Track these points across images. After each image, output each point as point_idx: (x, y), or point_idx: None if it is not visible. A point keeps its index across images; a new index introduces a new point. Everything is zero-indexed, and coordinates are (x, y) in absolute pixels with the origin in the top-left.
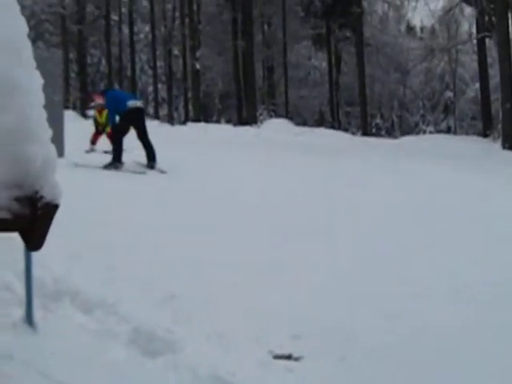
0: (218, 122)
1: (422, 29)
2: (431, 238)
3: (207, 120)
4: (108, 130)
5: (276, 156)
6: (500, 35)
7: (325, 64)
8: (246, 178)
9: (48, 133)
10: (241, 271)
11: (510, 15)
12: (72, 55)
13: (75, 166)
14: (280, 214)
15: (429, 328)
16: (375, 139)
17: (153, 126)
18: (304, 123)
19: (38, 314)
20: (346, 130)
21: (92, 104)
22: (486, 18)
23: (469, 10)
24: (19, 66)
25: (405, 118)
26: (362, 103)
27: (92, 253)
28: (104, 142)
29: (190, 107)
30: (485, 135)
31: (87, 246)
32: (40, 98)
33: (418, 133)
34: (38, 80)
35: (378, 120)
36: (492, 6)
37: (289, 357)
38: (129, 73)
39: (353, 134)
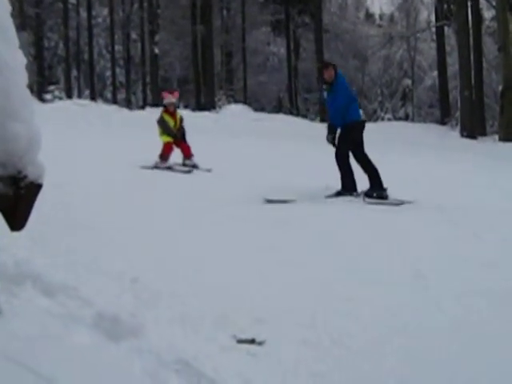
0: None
1: (381, 16)
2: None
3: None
4: (179, 136)
5: (235, 143)
6: (459, 23)
7: (283, 50)
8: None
9: (32, 112)
10: (204, 256)
11: (468, 3)
12: (29, 38)
13: None
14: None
15: (389, 310)
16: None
17: (111, 111)
18: (262, 109)
19: (1, 298)
20: (304, 116)
21: (166, 101)
22: (445, 6)
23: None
24: (4, 44)
25: (363, 105)
26: (320, 90)
27: (54, 235)
28: (178, 156)
29: (148, 92)
30: (442, 123)
31: (50, 228)
32: (24, 77)
33: (376, 120)
34: (21, 59)
35: None
36: None
37: (252, 341)
38: (86, 57)
39: (311, 120)
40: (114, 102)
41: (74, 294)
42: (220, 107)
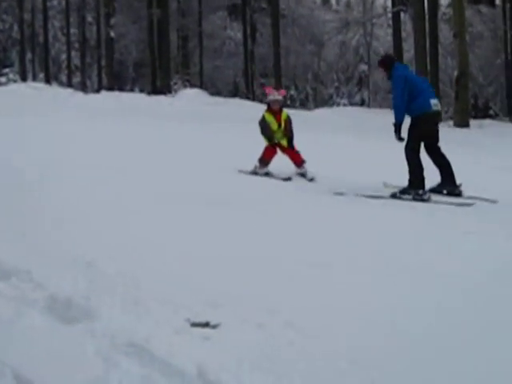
0: (131, 90)
1: (337, 1)
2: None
3: (121, 88)
4: (284, 142)
5: (190, 128)
6: (415, 9)
7: (240, 35)
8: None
9: None
10: (158, 239)
11: None
12: None
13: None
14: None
15: (346, 293)
16: (289, 110)
17: (66, 95)
18: (218, 94)
19: None
20: (260, 101)
21: (270, 98)
22: None
23: None
24: None
25: (319, 90)
26: (276, 75)
27: (5, 220)
28: (282, 161)
29: (104, 75)
30: None
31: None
32: None
33: (331, 105)
34: None
35: (292, 92)
36: None
37: (206, 324)
38: (41, 39)
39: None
40: (69, 85)
41: (27, 277)
42: (176, 91)
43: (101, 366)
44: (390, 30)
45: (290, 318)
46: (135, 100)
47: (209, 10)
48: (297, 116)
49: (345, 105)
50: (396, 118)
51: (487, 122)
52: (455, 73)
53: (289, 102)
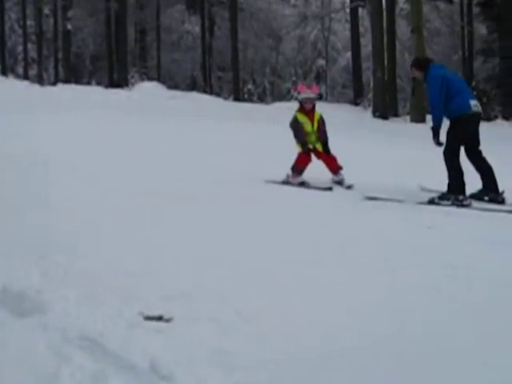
0: (88, 83)
1: None
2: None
3: (78, 81)
4: (319, 146)
5: (148, 121)
6: (373, 4)
7: (198, 28)
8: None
9: None
10: (111, 232)
11: None
12: None
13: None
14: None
15: (304, 287)
16: (246, 104)
17: (22, 87)
18: (176, 87)
19: None
20: (218, 94)
21: (302, 95)
22: None
23: None
24: None
25: (277, 84)
26: (234, 68)
27: None
28: (318, 168)
29: (60, 68)
30: (355, 103)
31: None
32: None
33: (289, 99)
34: None
35: (250, 86)
36: None
37: (159, 318)
38: None
39: (225, 99)
40: (26, 77)
41: None
42: (133, 84)
43: (52, 360)
44: (348, 25)
45: (244, 311)
46: (92, 93)
47: (167, 3)
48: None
49: None
50: (434, 120)
51: None
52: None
53: (246, 96)
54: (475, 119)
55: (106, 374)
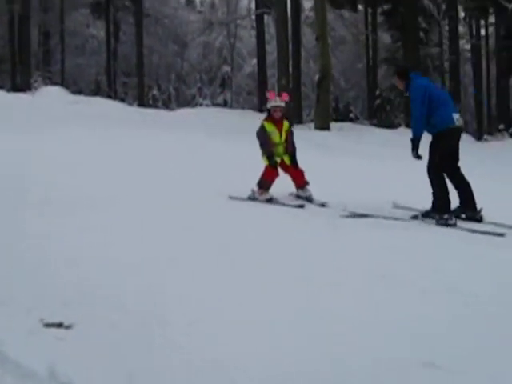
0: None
1: (201, 2)
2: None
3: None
4: (286, 158)
5: (52, 127)
6: (278, 12)
7: (103, 33)
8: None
9: None
10: (19, 241)
11: None
12: None
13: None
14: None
15: (201, 294)
16: (151, 110)
17: None
18: (80, 92)
19: None
20: (122, 100)
21: (271, 103)
22: None
23: None
24: None
25: (182, 90)
26: (139, 74)
27: None
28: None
29: None
30: (260, 110)
31: None
32: None
33: (194, 105)
34: None
35: (154, 91)
36: None
37: (60, 325)
38: None
39: (129, 104)
40: None
41: None
42: (36, 89)
43: None
44: (253, 32)
45: (147, 318)
46: None
47: (71, 6)
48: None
49: (207, 105)
50: (414, 131)
51: (347, 125)
52: (317, 76)
53: (151, 102)
54: (457, 134)
55: (5, 381)
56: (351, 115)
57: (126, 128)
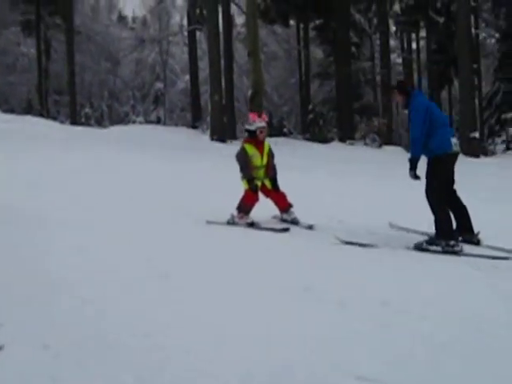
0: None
1: (133, 19)
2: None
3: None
4: (267, 182)
5: None
6: (210, 28)
7: (34, 51)
8: None
9: None
10: None
11: (220, 9)
12: None
13: None
14: None
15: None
16: (83, 128)
17: None
18: (12, 111)
19: None
20: (54, 118)
21: (257, 125)
22: (197, 11)
23: (180, 2)
24: None
25: (115, 107)
26: (71, 92)
27: None
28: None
29: None
30: (194, 126)
31: None
32: None
33: (127, 123)
34: None
35: (87, 109)
36: None
37: None
38: None
39: (61, 122)
40: None
41: None
42: None
43: None
44: (186, 48)
45: (77, 337)
46: None
47: (1, 25)
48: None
49: (141, 122)
50: (413, 151)
51: (281, 139)
52: (249, 92)
53: (83, 120)
54: (454, 158)
55: None
56: (285, 130)
57: (56, 147)
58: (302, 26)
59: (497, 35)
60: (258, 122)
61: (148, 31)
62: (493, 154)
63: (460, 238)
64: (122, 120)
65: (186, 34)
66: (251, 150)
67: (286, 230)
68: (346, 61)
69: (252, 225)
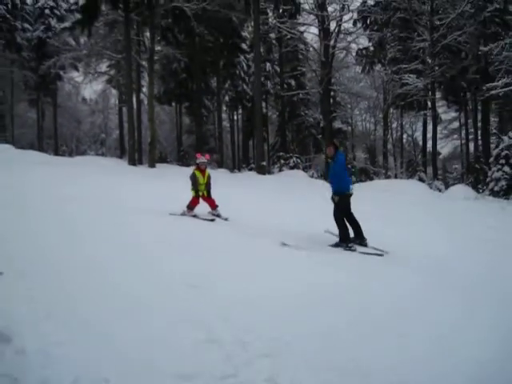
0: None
1: (90, 99)
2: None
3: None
4: (206, 193)
5: None
6: (129, 106)
7: (35, 116)
8: None
9: None
10: None
11: (134, 95)
12: None
13: None
14: None
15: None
16: (62, 157)
17: None
18: (22, 147)
19: None
20: (46, 152)
21: (200, 160)
22: (123, 97)
23: (114, 91)
24: None
25: (79, 147)
26: (55, 138)
27: None
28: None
29: None
30: (120, 157)
31: None
32: None
33: (85, 155)
34: None
35: (64, 147)
36: (124, 83)
37: None
38: None
39: (50, 154)
40: None
41: None
42: None
43: None
44: (117, 116)
45: (41, 344)
46: None
47: (16, 100)
48: None
49: (92, 155)
50: (336, 187)
51: (165, 165)
52: (148, 139)
53: (61, 153)
54: (350, 196)
55: None
56: (168, 159)
57: (53, 167)
58: (178, 105)
59: (277, 113)
60: (200, 159)
61: (97, 106)
62: (272, 173)
63: (357, 241)
64: (83, 153)
65: (117, 109)
66: (198, 174)
67: (213, 220)
68: (200, 124)
69: (195, 216)
